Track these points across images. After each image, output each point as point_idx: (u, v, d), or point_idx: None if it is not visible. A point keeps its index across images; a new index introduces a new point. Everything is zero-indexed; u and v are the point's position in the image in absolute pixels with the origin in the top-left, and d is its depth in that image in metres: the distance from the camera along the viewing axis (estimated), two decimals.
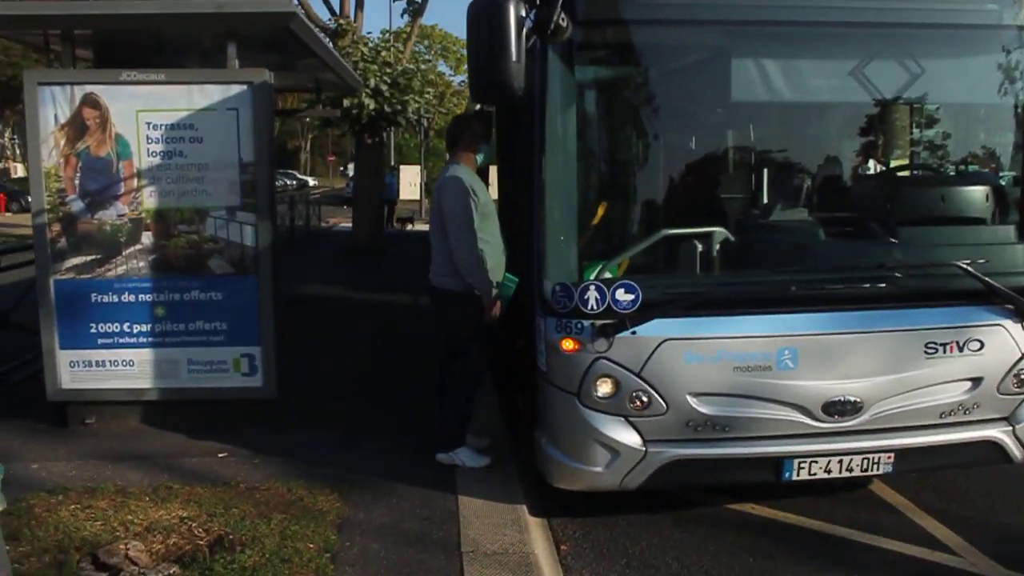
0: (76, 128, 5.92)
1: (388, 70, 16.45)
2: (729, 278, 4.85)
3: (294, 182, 54.02)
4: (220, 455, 5.69)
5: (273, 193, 6.16)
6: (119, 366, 6.11)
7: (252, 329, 6.14)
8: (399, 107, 16.56)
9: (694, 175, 5.24)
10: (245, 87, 5.93)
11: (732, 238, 4.87)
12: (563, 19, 4.20)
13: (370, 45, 16.92)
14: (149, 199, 6.03)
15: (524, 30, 4.13)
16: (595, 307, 4.43)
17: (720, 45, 4.83)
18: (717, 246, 4.86)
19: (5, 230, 24.38)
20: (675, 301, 4.48)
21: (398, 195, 30.09)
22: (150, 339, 6.12)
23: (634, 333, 4.43)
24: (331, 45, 13.09)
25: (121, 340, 6.09)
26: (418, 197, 34.04)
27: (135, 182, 5.99)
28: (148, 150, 5.97)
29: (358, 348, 9.01)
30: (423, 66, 19.21)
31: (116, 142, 5.94)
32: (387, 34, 18.97)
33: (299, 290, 11.96)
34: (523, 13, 4.12)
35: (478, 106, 11.74)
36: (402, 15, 19.02)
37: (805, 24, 4.63)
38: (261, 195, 6.03)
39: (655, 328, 4.44)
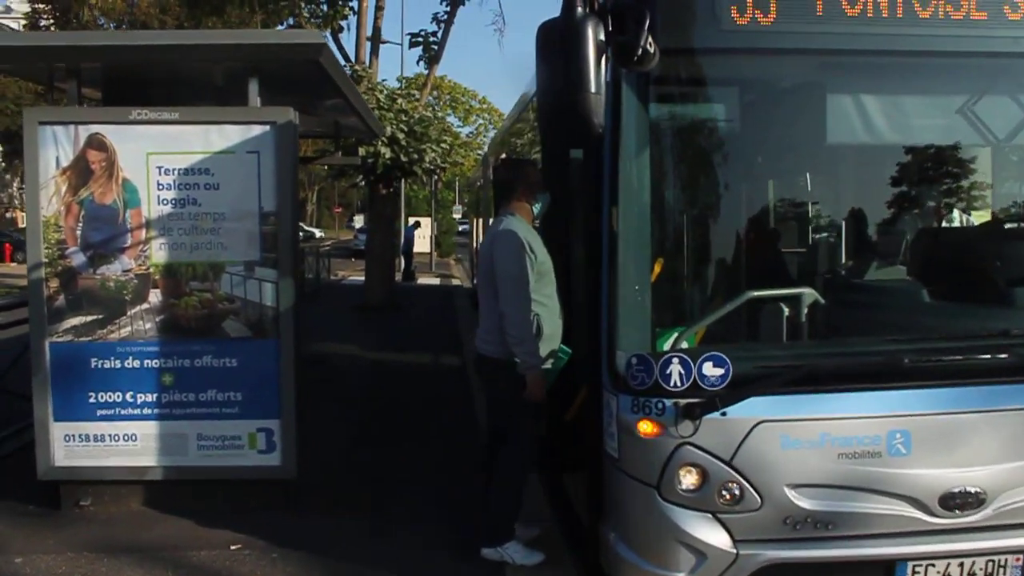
0: (79, 172, 5.32)
1: (404, 118, 15.96)
2: (829, 348, 4.19)
3: (301, 234, 53.36)
4: (233, 547, 4.97)
5: (297, 247, 5.54)
6: (120, 441, 5.42)
7: (271, 400, 5.46)
8: (415, 156, 16.02)
9: (781, 228, 4.62)
10: (268, 127, 5.33)
11: (822, 300, 4.24)
12: (650, 45, 3.59)
13: (385, 92, 16.44)
14: (158, 252, 5.40)
15: (604, 56, 3.54)
16: (679, 383, 3.77)
17: (816, 80, 4.24)
18: (806, 310, 4.22)
19: (10, 280, 23.85)
20: (772, 376, 3.83)
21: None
22: (155, 410, 5.44)
23: (724, 414, 3.77)
24: None
25: (123, 411, 5.41)
26: (428, 250, 33.55)
27: (143, 233, 5.37)
28: (158, 197, 5.36)
29: (380, 416, 8.30)
30: (439, 114, 18.67)
31: (123, 188, 5.34)
32: (405, 81, 18.44)
33: (312, 348, 11.30)
34: (602, 37, 3.53)
35: (503, 155, 11.25)
36: (418, 62, 18.51)
37: (916, 55, 4.02)
38: (284, 249, 5.39)
39: (748, 408, 3.78)
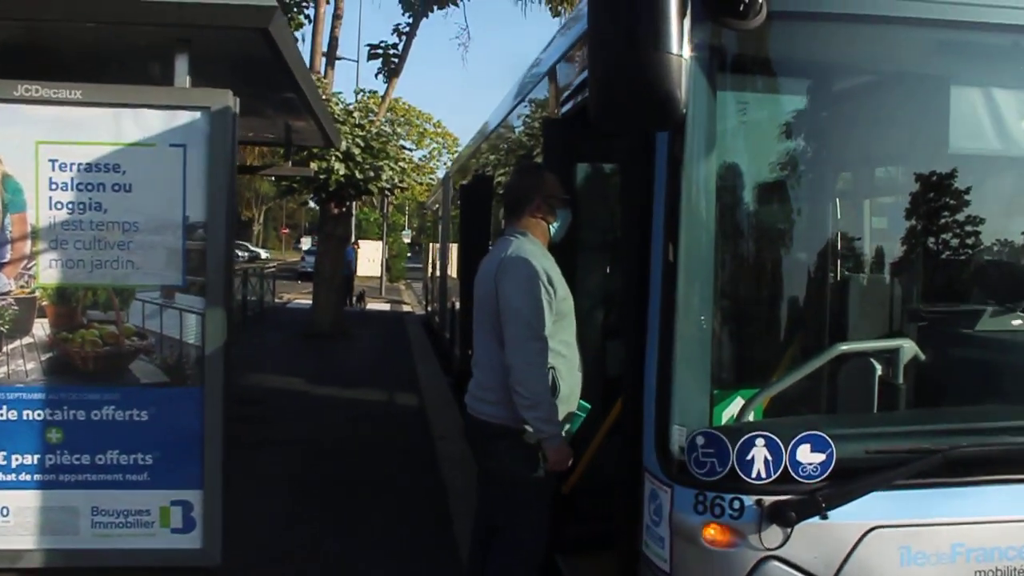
0: None
1: (361, 132, 14.80)
2: (961, 424, 3.14)
3: (246, 254, 51.91)
4: None
5: (231, 269, 4.33)
6: None
7: (191, 465, 4.24)
8: (371, 174, 14.86)
9: (880, 263, 3.56)
10: (198, 114, 4.15)
11: (937, 358, 3.27)
12: None
13: (341, 105, 15.27)
14: (47, 271, 4.17)
15: (687, 8, 2.45)
16: (764, 474, 2.73)
17: (939, 69, 3.20)
18: (905, 370, 3.19)
19: None
20: (895, 465, 2.77)
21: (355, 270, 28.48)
22: (36, 476, 4.19)
23: (825, 517, 2.70)
24: None
25: None
26: (379, 274, 32.37)
27: (27, 246, 4.14)
28: (51, 200, 4.14)
29: (328, 474, 6.97)
30: (399, 129, 17.56)
31: (3, 186, 4.11)
32: (362, 93, 17.31)
33: (249, 383, 10.03)
34: None
35: (471, 175, 10.10)
36: (377, 75, 17.40)
37: None
38: (213, 271, 4.19)
39: (858, 510, 2.73)
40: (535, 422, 3.34)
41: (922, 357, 3.21)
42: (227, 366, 4.27)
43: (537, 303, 3.33)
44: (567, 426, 3.54)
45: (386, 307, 26.46)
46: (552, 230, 3.60)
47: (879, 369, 3.19)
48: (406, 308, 26.25)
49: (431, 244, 20.59)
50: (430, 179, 31.96)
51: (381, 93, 18.33)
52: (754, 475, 2.71)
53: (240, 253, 49.77)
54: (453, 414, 8.98)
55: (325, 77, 15.75)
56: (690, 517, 2.79)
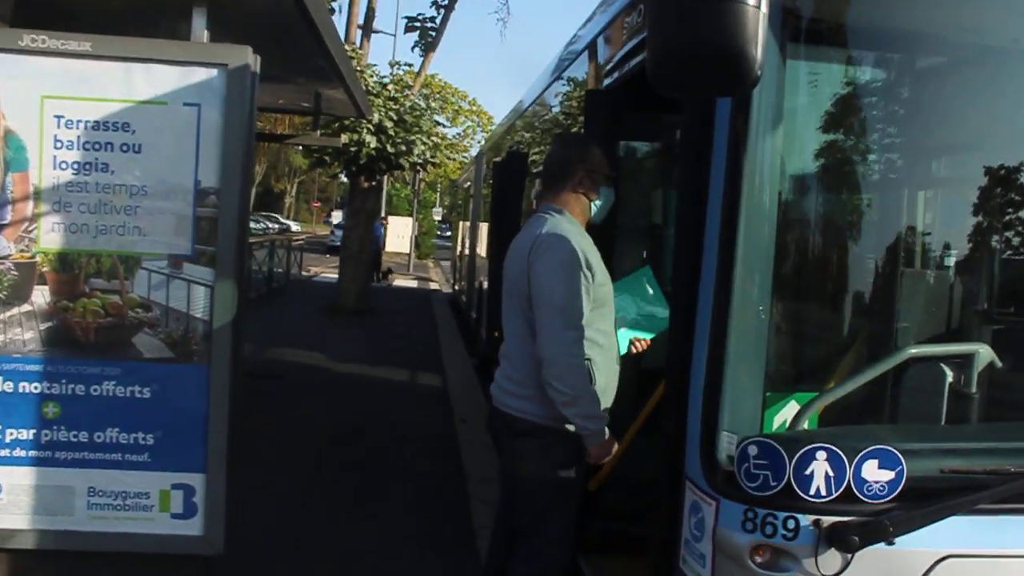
0: None
1: (394, 105, 14.52)
2: None
3: (276, 226, 51.98)
4: None
5: (244, 240, 4.04)
6: None
7: (194, 447, 3.95)
8: (403, 148, 14.59)
9: (960, 260, 3.21)
10: (215, 72, 3.83)
11: (1000, 363, 2.87)
12: None
13: (376, 77, 14.98)
14: (49, 235, 3.88)
15: None
16: (824, 491, 2.40)
17: None
18: (976, 376, 2.87)
19: None
20: (973, 488, 2.44)
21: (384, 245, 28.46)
22: (30, 452, 3.91)
23: (891, 544, 2.37)
24: None
25: None
26: (408, 250, 32.24)
27: (29, 207, 3.85)
28: (55, 159, 3.84)
29: (344, 457, 6.75)
30: (433, 105, 17.29)
31: (5, 143, 3.82)
32: (397, 66, 16.95)
33: (268, 358, 9.81)
34: None
35: (504, 152, 9.76)
36: (413, 48, 17.12)
37: None
38: (225, 241, 3.89)
39: (929, 536, 2.39)
40: (575, 419, 3.04)
41: (999, 364, 2.90)
42: (236, 343, 3.98)
43: (574, 288, 3.01)
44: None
45: (413, 284, 26.30)
46: (593, 208, 3.28)
47: (950, 376, 2.87)
48: (433, 286, 26.07)
49: (461, 222, 20.36)
50: (463, 157, 31.70)
51: (416, 68, 18.08)
52: (813, 492, 2.40)
53: (271, 225, 49.85)
54: (476, 396, 8.75)
55: (361, 48, 15.49)
56: (737, 535, 2.49)
